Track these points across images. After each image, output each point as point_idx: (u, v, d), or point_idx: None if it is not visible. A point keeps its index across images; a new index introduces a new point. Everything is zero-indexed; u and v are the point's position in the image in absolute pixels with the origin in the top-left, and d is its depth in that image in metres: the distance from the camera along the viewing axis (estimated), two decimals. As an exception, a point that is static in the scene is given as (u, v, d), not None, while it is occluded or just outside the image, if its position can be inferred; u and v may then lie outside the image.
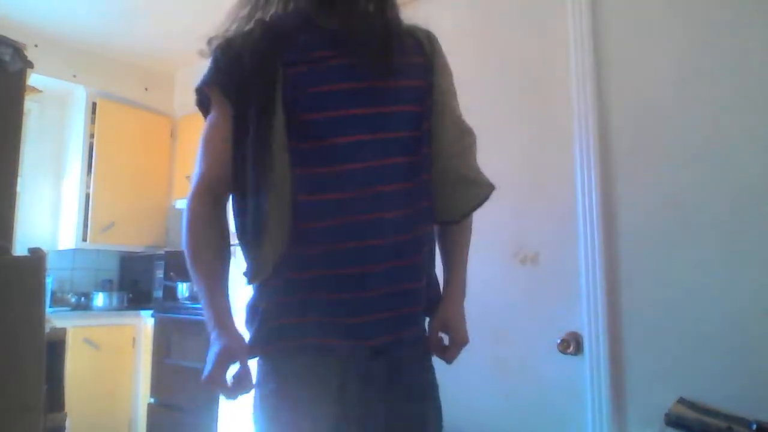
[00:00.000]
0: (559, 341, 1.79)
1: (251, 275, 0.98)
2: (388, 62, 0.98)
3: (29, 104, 3.62)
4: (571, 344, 1.76)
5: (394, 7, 1.04)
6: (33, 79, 2.83)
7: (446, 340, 1.10)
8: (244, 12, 1.05)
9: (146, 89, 4.05)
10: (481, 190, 1.07)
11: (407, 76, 1.02)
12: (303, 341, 0.94)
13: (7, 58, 1.36)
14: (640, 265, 1.68)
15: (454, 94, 1.11)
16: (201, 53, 1.05)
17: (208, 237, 0.98)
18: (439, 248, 1.13)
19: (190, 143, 3.94)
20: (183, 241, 0.98)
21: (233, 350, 0.89)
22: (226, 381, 0.88)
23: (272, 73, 0.95)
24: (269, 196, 0.93)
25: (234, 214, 1.01)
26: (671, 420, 1.37)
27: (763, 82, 1.52)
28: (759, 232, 1.48)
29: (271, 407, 0.95)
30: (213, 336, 0.91)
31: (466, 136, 1.10)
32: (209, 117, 1.03)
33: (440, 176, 1.05)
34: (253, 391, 0.94)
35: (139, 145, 3.93)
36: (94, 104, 3.74)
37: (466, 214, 1.09)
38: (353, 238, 0.92)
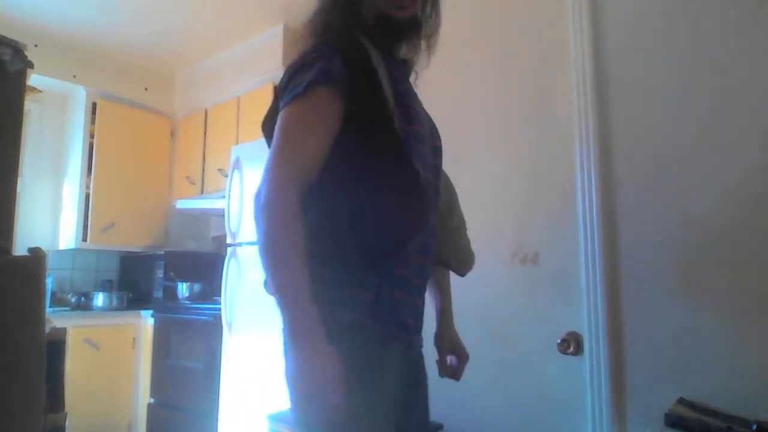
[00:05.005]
0: (559, 341, 1.79)
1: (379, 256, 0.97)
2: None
3: (29, 104, 3.62)
4: (571, 344, 1.76)
5: None
6: (33, 79, 2.84)
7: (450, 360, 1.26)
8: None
9: (146, 89, 4.05)
10: (472, 262, 1.31)
11: None
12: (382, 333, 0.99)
13: (7, 58, 1.36)
14: (640, 266, 1.68)
15: None
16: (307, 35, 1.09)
17: (301, 239, 0.89)
18: (435, 283, 1.31)
19: (190, 143, 3.94)
20: (272, 237, 0.88)
21: (342, 370, 0.84)
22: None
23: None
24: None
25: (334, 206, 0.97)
26: (671, 420, 1.37)
27: (763, 84, 1.52)
28: (759, 231, 1.48)
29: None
30: (312, 349, 0.83)
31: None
32: (311, 103, 0.96)
33: (458, 235, 1.28)
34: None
35: (139, 145, 3.93)
36: (94, 104, 3.75)
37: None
38: (426, 256, 1.08)
